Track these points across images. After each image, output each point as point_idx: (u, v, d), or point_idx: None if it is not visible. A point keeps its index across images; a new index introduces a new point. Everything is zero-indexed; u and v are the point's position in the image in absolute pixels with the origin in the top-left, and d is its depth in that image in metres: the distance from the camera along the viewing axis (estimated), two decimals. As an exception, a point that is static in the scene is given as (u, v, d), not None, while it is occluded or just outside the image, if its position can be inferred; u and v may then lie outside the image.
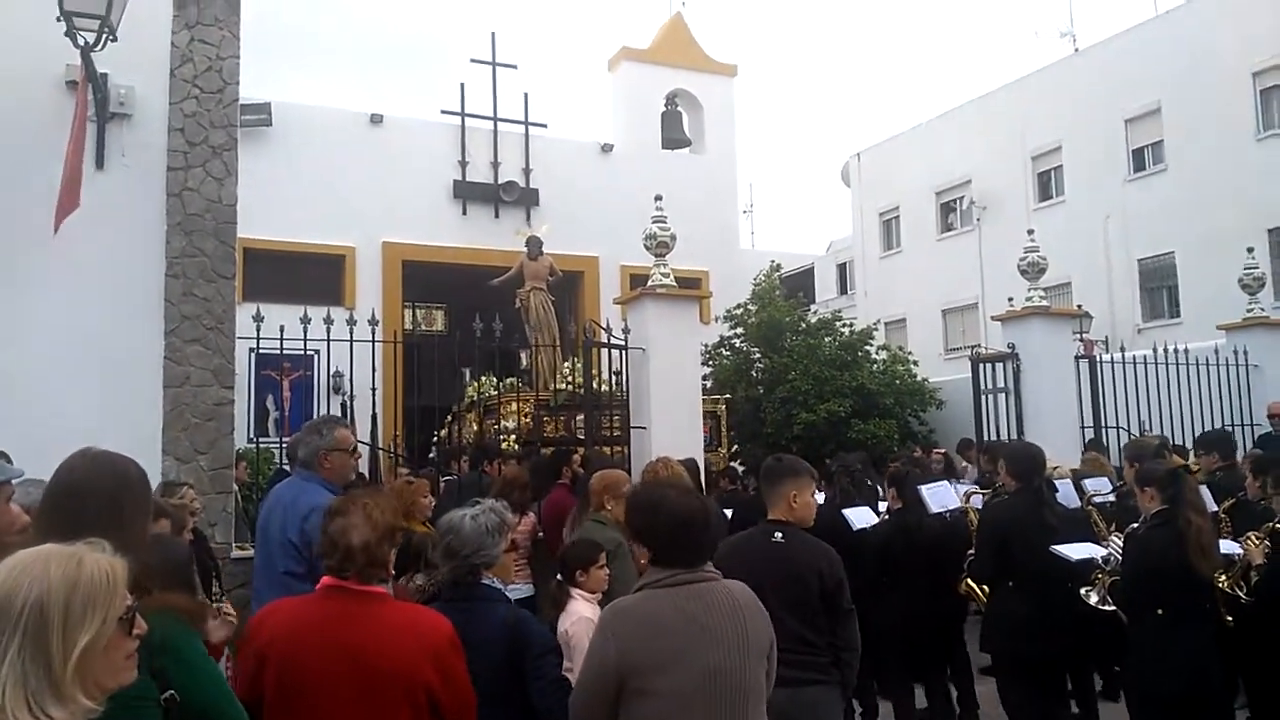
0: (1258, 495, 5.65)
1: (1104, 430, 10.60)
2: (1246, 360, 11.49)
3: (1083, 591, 5.05)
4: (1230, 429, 9.95)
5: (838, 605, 3.77)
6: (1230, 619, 4.81)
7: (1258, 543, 5.00)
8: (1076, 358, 11.08)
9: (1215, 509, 5.77)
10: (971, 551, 5.71)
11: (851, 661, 3.78)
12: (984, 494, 6.40)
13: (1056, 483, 6.18)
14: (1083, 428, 10.49)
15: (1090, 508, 6.30)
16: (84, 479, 2.32)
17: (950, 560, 5.90)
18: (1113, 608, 4.92)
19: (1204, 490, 5.71)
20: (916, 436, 13.50)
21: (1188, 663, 4.45)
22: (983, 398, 10.80)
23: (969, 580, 5.78)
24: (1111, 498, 6.66)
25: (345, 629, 2.57)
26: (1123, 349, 11.56)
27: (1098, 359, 11.24)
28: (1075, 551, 5.23)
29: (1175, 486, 4.67)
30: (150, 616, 1.90)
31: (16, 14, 6.11)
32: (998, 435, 10.49)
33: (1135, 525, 4.96)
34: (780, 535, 3.77)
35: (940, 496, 6.15)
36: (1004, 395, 10.72)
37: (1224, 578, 4.92)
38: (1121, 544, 5.01)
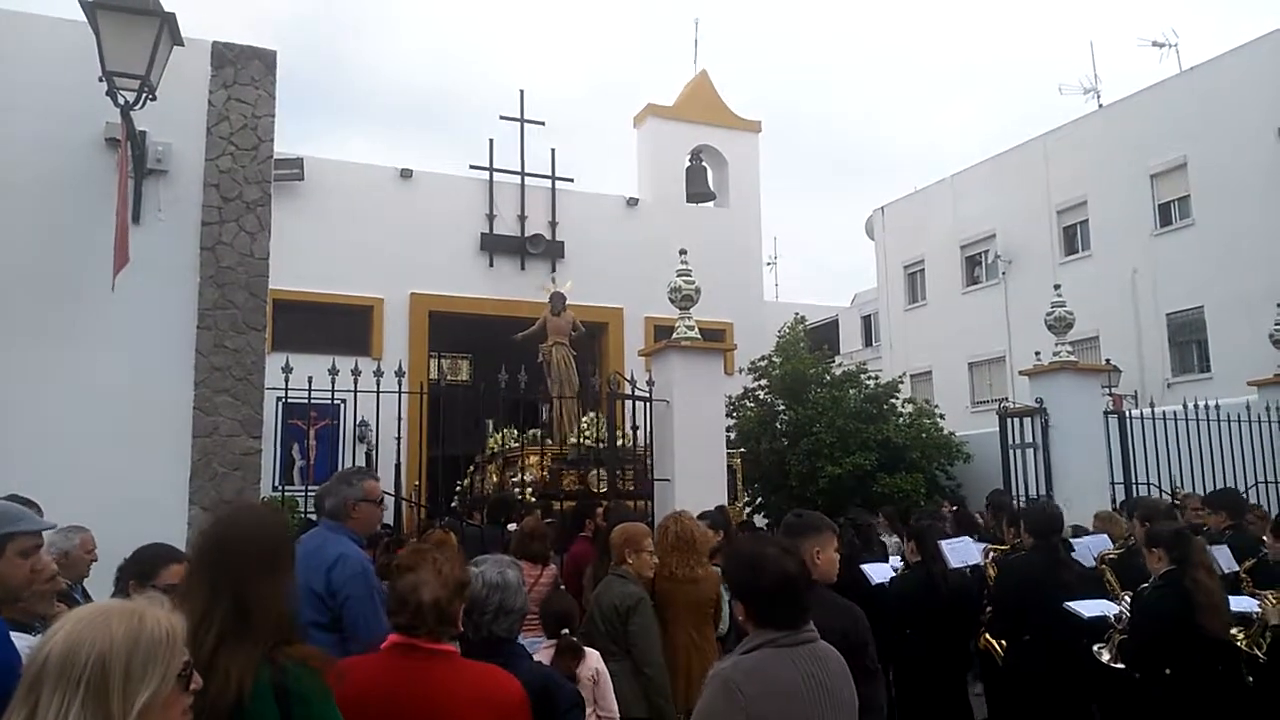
0: (1278, 555, 5.63)
1: (1134, 487, 10.46)
2: (1278, 416, 11.34)
3: (1095, 649, 5.12)
4: (1258, 486, 9.81)
5: (862, 665, 3.71)
6: (1251, 678, 4.81)
7: (1275, 602, 5.02)
8: (1105, 413, 10.97)
9: (1236, 568, 5.80)
10: (989, 606, 5.76)
11: (877, 724, 3.72)
12: (998, 550, 6.48)
13: (1074, 541, 6.24)
14: (1112, 484, 10.35)
15: (1104, 565, 6.29)
16: (239, 532, 2.37)
17: (968, 614, 5.92)
18: (1123, 666, 4.97)
19: (1224, 550, 5.83)
20: (944, 491, 13.36)
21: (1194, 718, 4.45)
22: (1010, 453, 10.70)
23: (987, 635, 5.81)
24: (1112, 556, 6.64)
25: (417, 689, 2.51)
26: (1152, 404, 11.44)
27: (1127, 414, 11.13)
28: (1088, 609, 5.30)
29: (1182, 547, 4.73)
30: (289, 665, 1.94)
31: (59, 74, 6.32)
32: (1026, 491, 10.37)
33: (1144, 585, 5.01)
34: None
35: (961, 552, 6.17)
36: (1032, 450, 10.62)
37: (1242, 636, 4.93)
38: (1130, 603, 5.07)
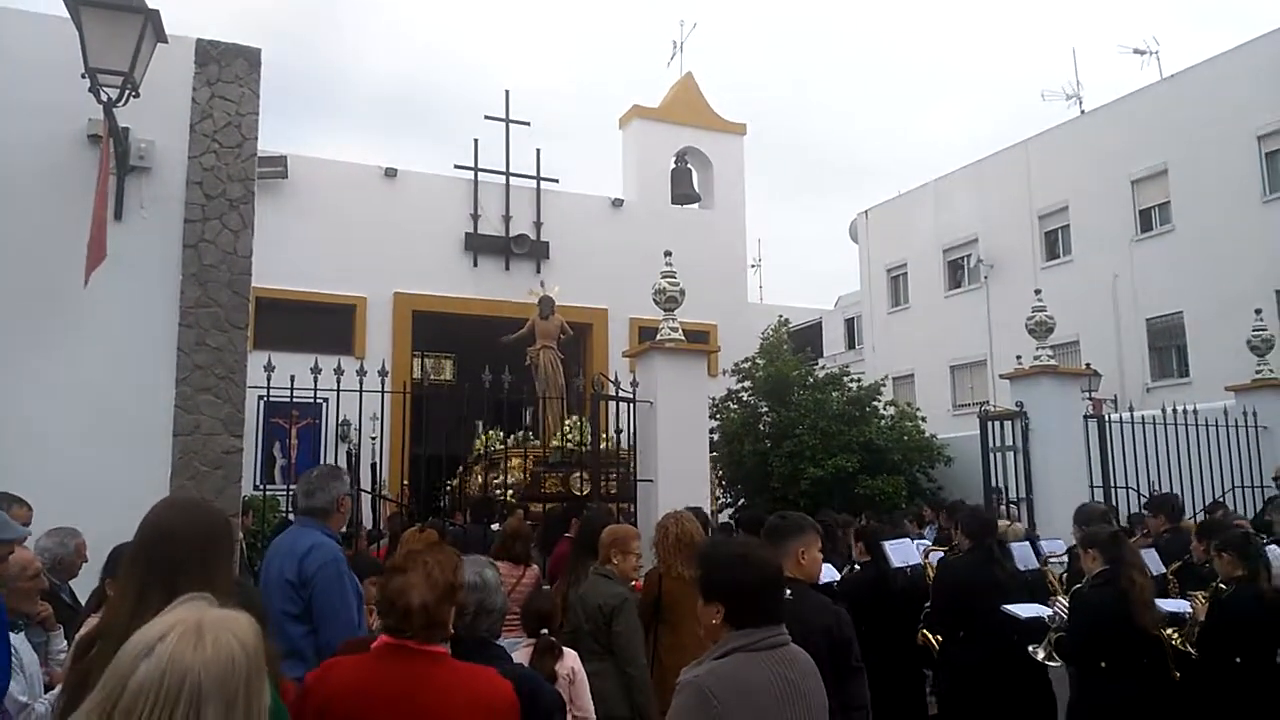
0: (1203, 558, 5.94)
1: (1113, 490, 10.55)
2: (1256, 422, 11.46)
3: (1030, 649, 5.46)
4: (1235, 490, 9.91)
5: (846, 662, 3.74)
6: (1178, 674, 5.22)
7: (1204, 602, 5.33)
8: (1085, 417, 11.06)
9: (1164, 570, 6.27)
10: (928, 604, 6.10)
11: (861, 720, 3.75)
12: (942, 550, 6.81)
13: (1013, 545, 6.55)
14: (1091, 487, 10.44)
15: (1046, 568, 6.63)
16: (174, 526, 2.36)
17: (911, 612, 6.24)
18: (1059, 663, 5.38)
19: (1152, 553, 6.31)
20: (925, 493, 13.43)
21: (1125, 711, 4.82)
22: (991, 456, 10.77)
23: (924, 631, 6.13)
24: (1065, 559, 7.03)
25: (406, 689, 2.50)
26: (1131, 408, 11.54)
27: (1106, 418, 11.21)
28: (1024, 611, 5.66)
29: (1116, 549, 5.11)
30: None
31: (41, 71, 6.27)
32: (1006, 493, 10.44)
33: (1080, 585, 5.39)
34: (789, 593, 3.77)
35: (902, 552, 6.49)
36: (1013, 454, 10.69)
37: (1176, 635, 5.36)
38: (1067, 603, 5.43)
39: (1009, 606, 5.64)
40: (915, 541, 7.44)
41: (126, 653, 1.39)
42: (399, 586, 2.57)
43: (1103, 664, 4.92)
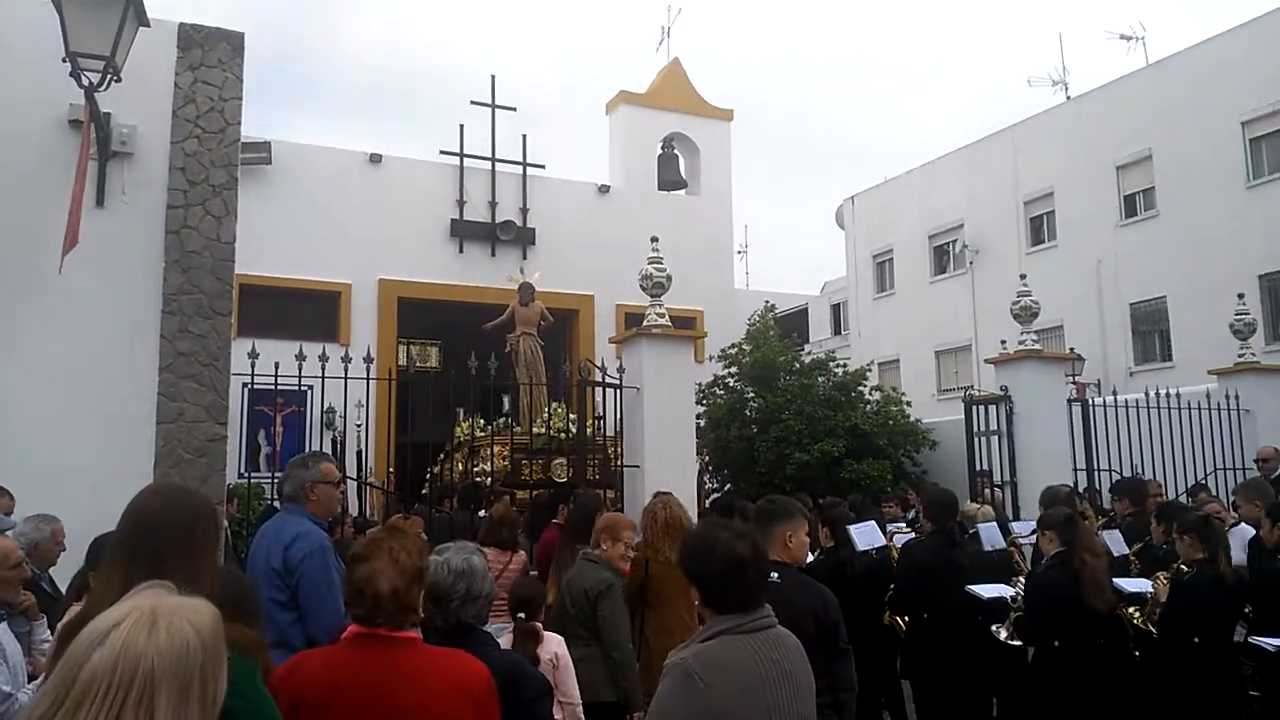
0: (1162, 540, 6.11)
1: (1096, 473, 10.61)
2: (1238, 405, 11.54)
3: (993, 628, 5.63)
4: (1217, 473, 10.00)
5: (834, 644, 3.77)
6: (1138, 653, 5.41)
7: (1165, 583, 5.47)
8: (1069, 401, 11.11)
9: (1126, 551, 6.46)
10: (893, 586, 6.22)
11: (849, 702, 3.77)
12: (908, 533, 6.99)
13: (981, 526, 6.70)
14: (1075, 470, 10.50)
15: (1014, 549, 6.72)
16: (158, 513, 2.33)
17: (877, 594, 6.35)
18: (1019, 643, 5.51)
19: (1115, 534, 6.52)
20: (910, 477, 13.50)
21: (1078, 690, 4.95)
22: (976, 440, 10.83)
23: (889, 613, 6.27)
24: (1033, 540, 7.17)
25: (380, 676, 2.47)
26: (1115, 392, 11.60)
27: (1090, 402, 11.27)
28: (987, 591, 5.81)
29: (1071, 531, 5.22)
30: None
31: (21, 54, 6.20)
32: (991, 477, 10.50)
33: (1037, 567, 5.62)
34: (776, 576, 3.79)
35: (867, 535, 6.57)
36: (997, 438, 10.74)
37: (1138, 615, 5.54)
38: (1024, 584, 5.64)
39: (973, 587, 5.77)
40: (892, 524, 7.57)
41: (81, 641, 1.39)
42: (365, 574, 2.53)
43: (1056, 644, 5.05)
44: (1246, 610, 5.30)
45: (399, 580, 2.52)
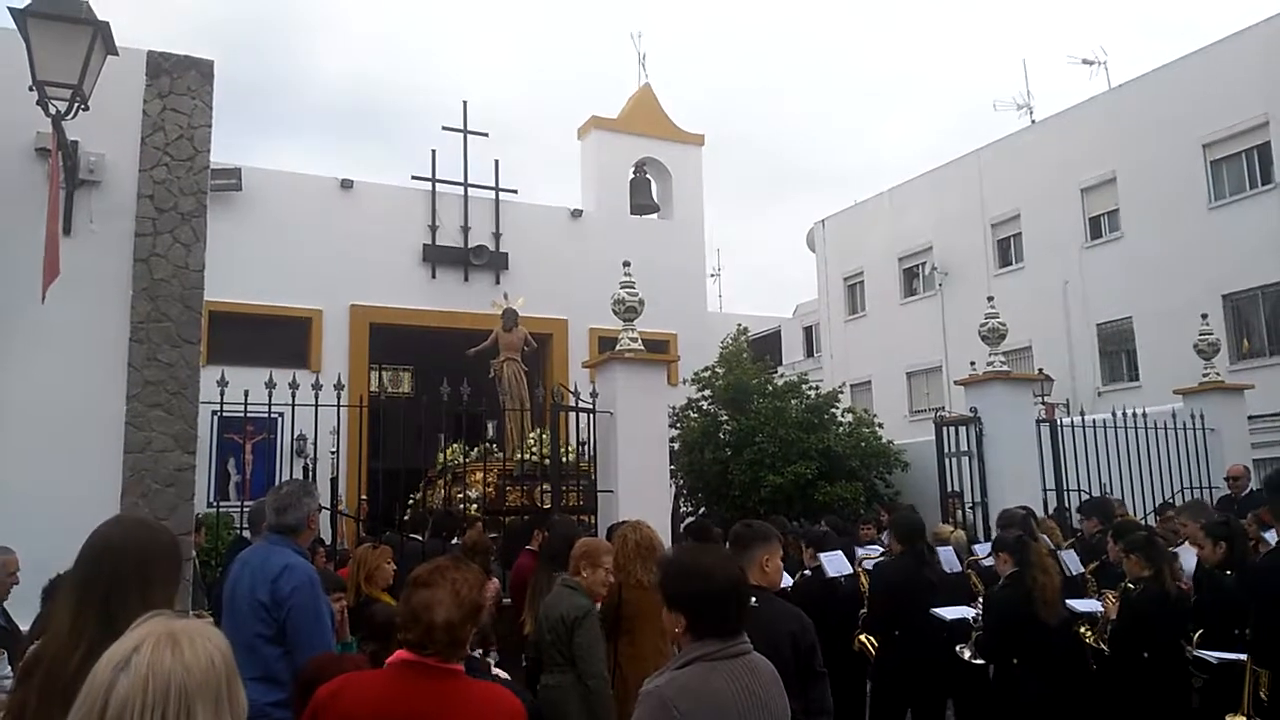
0: (1117, 558, 6.19)
1: (1065, 493, 10.72)
2: (1203, 424, 11.70)
3: (958, 648, 5.83)
4: (1183, 491, 10.12)
5: (810, 668, 3.78)
6: (1095, 666, 5.62)
7: (1114, 601, 5.66)
8: (1038, 421, 11.23)
9: (1082, 570, 6.71)
10: (864, 610, 6.40)
11: (825, 726, 3.79)
12: (878, 557, 7.11)
13: (940, 550, 6.88)
14: (1045, 490, 10.60)
15: (970, 571, 6.92)
16: (114, 544, 2.31)
17: (849, 619, 6.53)
18: (981, 661, 5.72)
19: (1071, 554, 6.79)
20: (882, 499, 13.54)
21: (1036, 704, 5.14)
22: (946, 461, 10.91)
23: (860, 636, 6.39)
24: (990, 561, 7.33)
25: (427, 707, 2.43)
26: (1083, 412, 11.75)
27: (1058, 422, 11.40)
28: (950, 613, 6.01)
29: (1023, 552, 5.42)
30: None
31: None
32: (962, 498, 10.57)
33: (994, 587, 5.80)
34: (755, 600, 3.80)
35: (836, 564, 6.80)
36: (968, 459, 10.83)
37: (1089, 633, 5.75)
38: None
39: (937, 610, 5.95)
40: (866, 547, 7.78)
41: (101, 669, 1.39)
42: (424, 601, 2.47)
43: (1015, 660, 5.25)
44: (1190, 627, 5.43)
45: (456, 613, 2.48)
